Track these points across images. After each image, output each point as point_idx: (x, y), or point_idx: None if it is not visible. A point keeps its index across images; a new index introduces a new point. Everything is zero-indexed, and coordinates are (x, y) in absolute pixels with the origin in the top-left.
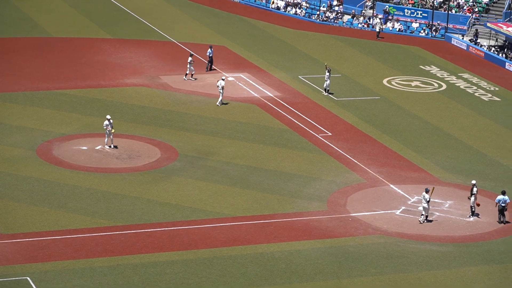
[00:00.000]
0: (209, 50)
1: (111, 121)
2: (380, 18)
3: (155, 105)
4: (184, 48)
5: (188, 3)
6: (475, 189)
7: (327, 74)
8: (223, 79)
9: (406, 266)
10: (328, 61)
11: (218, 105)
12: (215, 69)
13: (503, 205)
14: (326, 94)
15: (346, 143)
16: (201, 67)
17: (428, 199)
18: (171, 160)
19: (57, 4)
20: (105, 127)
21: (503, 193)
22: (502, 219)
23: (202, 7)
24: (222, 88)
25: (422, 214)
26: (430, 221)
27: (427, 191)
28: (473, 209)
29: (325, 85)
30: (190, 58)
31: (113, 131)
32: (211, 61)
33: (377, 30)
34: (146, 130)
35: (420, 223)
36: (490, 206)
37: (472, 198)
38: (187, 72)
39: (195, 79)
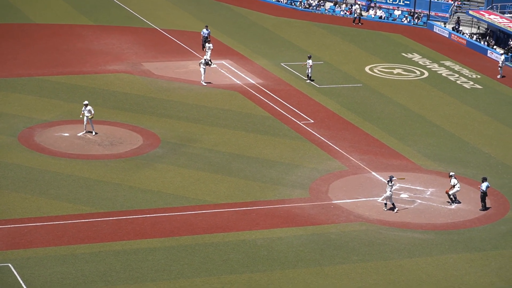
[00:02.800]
0: (203, 29)
1: (88, 107)
2: (359, 4)
3: (137, 92)
4: (167, 35)
5: None
6: (453, 180)
7: (309, 61)
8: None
9: (388, 254)
10: (310, 49)
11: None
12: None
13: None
14: (309, 81)
15: (328, 131)
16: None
17: (392, 185)
18: (153, 147)
19: None
20: (83, 112)
21: (484, 179)
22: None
23: None
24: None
25: (386, 204)
26: (392, 209)
27: (392, 178)
28: (451, 197)
29: (307, 72)
30: (210, 45)
31: (90, 116)
32: (205, 40)
33: (356, 15)
34: (128, 117)
35: (386, 210)
36: (472, 193)
37: (454, 189)
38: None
39: (215, 66)
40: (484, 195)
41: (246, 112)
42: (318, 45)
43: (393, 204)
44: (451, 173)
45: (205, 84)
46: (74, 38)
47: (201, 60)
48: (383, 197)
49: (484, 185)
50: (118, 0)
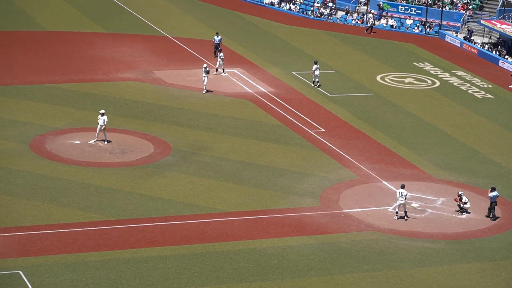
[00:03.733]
0: (215, 37)
1: (104, 116)
2: (373, 13)
3: (149, 100)
4: (178, 43)
5: None
6: (464, 198)
7: (315, 66)
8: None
9: (399, 263)
10: (321, 57)
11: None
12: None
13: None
14: (317, 86)
15: (339, 139)
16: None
17: (406, 195)
18: (164, 155)
19: None
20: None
21: (493, 189)
22: (492, 214)
23: (196, 2)
24: (206, 73)
25: (397, 212)
26: (403, 218)
27: (403, 187)
28: (460, 206)
29: (317, 79)
30: (221, 54)
31: (103, 127)
32: (216, 47)
33: (369, 24)
34: (139, 125)
35: (397, 219)
36: (483, 203)
37: (466, 206)
38: (217, 66)
39: (226, 74)
40: (493, 204)
41: (257, 121)
42: (330, 54)
43: (405, 212)
44: (460, 192)
45: (205, 92)
46: (86, 46)
47: (202, 69)
48: (394, 206)
49: (493, 194)
50: (130, 8)
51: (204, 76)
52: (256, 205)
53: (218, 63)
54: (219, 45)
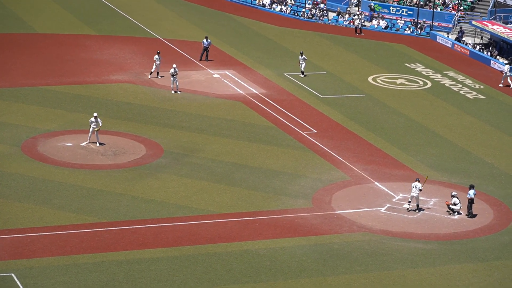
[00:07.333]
0: (204, 40)
1: (98, 119)
2: (358, 15)
3: (141, 102)
4: (170, 45)
5: (173, 0)
6: (455, 199)
7: (301, 57)
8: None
9: (391, 264)
10: (313, 59)
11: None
12: (211, 60)
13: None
14: (304, 76)
15: (331, 141)
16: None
17: (420, 188)
18: (156, 157)
19: (42, 1)
20: (90, 124)
21: (472, 187)
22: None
23: (187, 4)
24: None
25: (409, 201)
26: (422, 209)
27: (418, 180)
28: (451, 207)
29: (302, 68)
30: (156, 56)
31: (96, 128)
32: (205, 50)
33: (355, 25)
34: (131, 127)
35: (408, 210)
36: (475, 204)
37: (455, 207)
38: (152, 70)
39: (161, 76)
40: (471, 202)
41: (249, 122)
42: (321, 55)
43: (417, 205)
44: (453, 193)
45: (174, 92)
46: (78, 48)
47: (171, 70)
48: (416, 201)
49: (471, 192)
50: (121, 10)
51: (174, 76)
52: (248, 207)
53: (154, 66)
54: (208, 49)
